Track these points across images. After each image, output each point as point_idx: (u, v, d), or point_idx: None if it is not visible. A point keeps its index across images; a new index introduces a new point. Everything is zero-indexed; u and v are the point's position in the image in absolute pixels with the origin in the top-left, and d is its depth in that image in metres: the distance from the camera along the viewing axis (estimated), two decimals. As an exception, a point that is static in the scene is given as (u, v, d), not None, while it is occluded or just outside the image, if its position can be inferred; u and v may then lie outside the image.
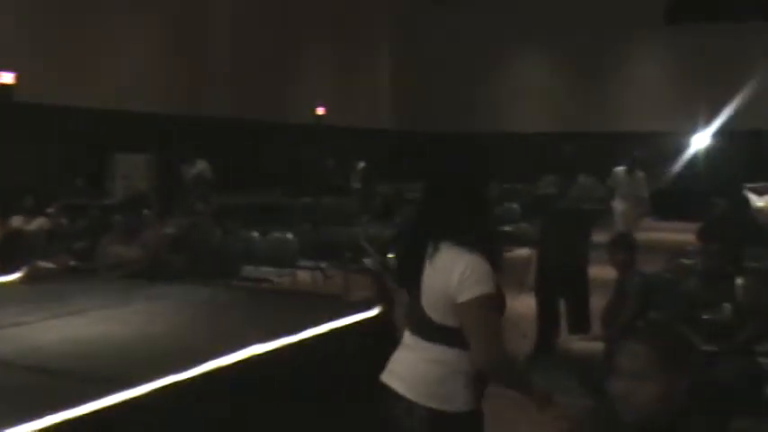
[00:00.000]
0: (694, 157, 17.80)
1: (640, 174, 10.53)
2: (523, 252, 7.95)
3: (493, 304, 2.45)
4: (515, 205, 11.38)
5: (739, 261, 5.08)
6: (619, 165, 10.51)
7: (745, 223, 8.41)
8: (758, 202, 13.39)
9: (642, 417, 1.70)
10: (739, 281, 4.33)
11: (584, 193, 6.20)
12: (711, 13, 17.88)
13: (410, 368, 2.54)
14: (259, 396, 2.83)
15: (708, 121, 17.74)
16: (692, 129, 17.95)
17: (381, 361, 2.69)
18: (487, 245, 2.52)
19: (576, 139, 17.44)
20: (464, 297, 2.42)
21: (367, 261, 8.58)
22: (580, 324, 6.00)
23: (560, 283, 6.14)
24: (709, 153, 17.99)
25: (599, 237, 6.60)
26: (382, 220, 9.34)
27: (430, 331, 2.51)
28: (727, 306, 4.24)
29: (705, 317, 4.30)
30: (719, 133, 17.76)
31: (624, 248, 4.94)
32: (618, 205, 10.02)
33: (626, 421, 1.72)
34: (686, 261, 5.91)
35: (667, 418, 1.69)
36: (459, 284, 2.43)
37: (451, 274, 2.44)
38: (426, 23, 20.36)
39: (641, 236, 9.04)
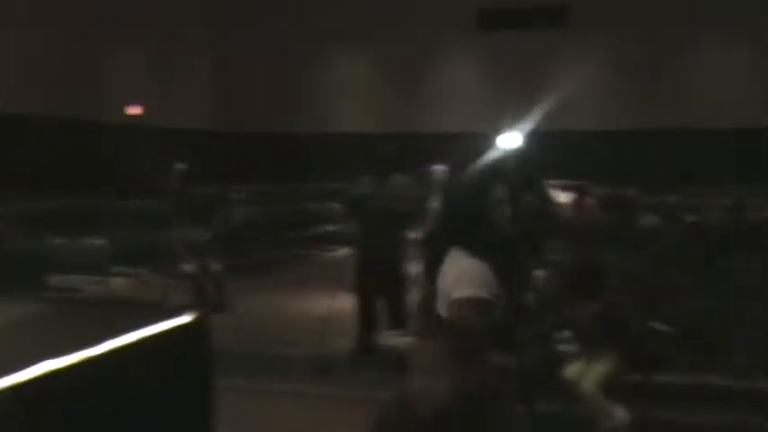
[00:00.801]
0: (505, 156, 18.79)
1: (458, 173, 10.92)
2: (344, 251, 8.06)
3: (482, 309, 2.55)
4: (337, 205, 11.54)
5: (541, 254, 5.42)
6: (436, 164, 10.86)
7: (546, 218, 8.97)
8: (561, 198, 14.36)
9: (439, 410, 1.77)
10: (540, 272, 4.62)
11: (400, 192, 6.36)
12: (520, 20, 19.01)
13: None
14: (48, 416, 2.63)
15: (518, 122, 18.78)
16: (503, 129, 18.93)
17: (194, 368, 2.60)
18: (491, 251, 2.63)
19: (394, 138, 17.94)
20: (455, 294, 2.58)
21: (186, 266, 8.38)
22: (398, 321, 6.16)
23: (378, 282, 6.27)
24: (518, 152, 19.05)
25: (416, 235, 6.81)
26: (200, 223, 9.11)
27: None
28: (529, 296, 4.50)
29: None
30: (529, 133, 18.86)
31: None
32: (435, 204, 10.35)
33: (423, 415, 1.78)
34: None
35: (463, 409, 1.78)
36: (453, 284, 2.60)
37: (451, 275, 2.63)
38: (244, 22, 20.13)
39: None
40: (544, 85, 18.76)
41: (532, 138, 18.69)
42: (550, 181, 14.97)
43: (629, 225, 10.01)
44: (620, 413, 4.21)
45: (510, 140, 19.18)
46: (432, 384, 1.75)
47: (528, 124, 18.51)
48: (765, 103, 17.71)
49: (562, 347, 4.40)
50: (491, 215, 2.69)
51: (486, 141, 18.46)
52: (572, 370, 4.28)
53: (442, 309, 2.66)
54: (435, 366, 1.74)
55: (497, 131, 18.85)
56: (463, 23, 19.50)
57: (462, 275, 2.61)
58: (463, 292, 2.57)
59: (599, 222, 10.52)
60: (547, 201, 11.16)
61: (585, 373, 4.26)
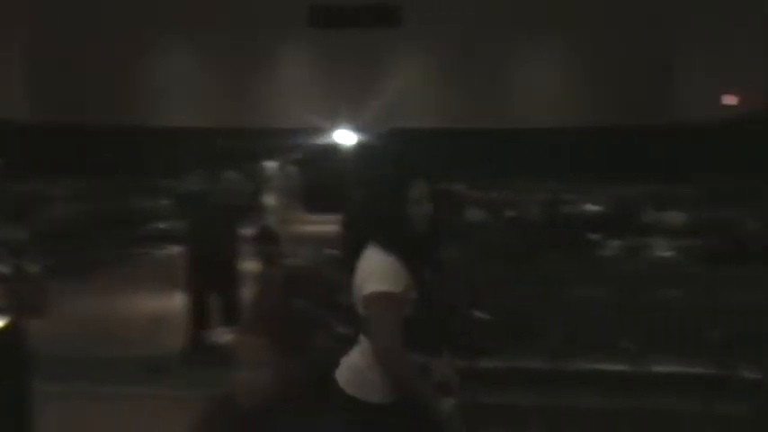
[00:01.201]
0: (341, 153, 19.01)
1: (292, 168, 10.95)
2: (175, 249, 7.86)
3: (390, 303, 2.55)
4: (167, 201, 11.21)
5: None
6: (269, 160, 10.83)
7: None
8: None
9: (262, 403, 1.79)
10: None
11: (232, 188, 6.30)
12: (352, 17, 19.26)
13: (346, 360, 2.75)
14: None
15: (352, 119, 19.01)
16: (336, 126, 19.11)
17: (6, 375, 2.46)
18: (404, 246, 2.60)
19: (227, 134, 17.66)
20: (366, 291, 2.60)
21: None
22: (231, 317, 6.10)
23: (210, 278, 6.18)
24: (355, 149, 19.31)
25: (249, 231, 6.76)
26: (15, 221, 8.53)
27: (360, 324, 2.71)
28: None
29: (344, 303, 4.61)
30: (363, 130, 19.14)
31: (268, 241, 5.11)
32: (269, 200, 10.32)
33: (247, 409, 1.80)
34: (329, 251, 6.30)
35: (288, 400, 1.80)
36: (364, 280, 2.61)
37: (363, 270, 2.64)
38: (68, 10, 19.02)
39: (292, 229, 9.43)
40: (376, 83, 19.14)
41: (366, 135, 19.01)
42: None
43: (456, 219, 10.43)
44: (446, 400, 4.38)
45: (344, 137, 19.44)
46: (254, 377, 1.77)
47: (361, 122, 18.80)
48: (583, 103, 19.02)
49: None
50: (410, 212, 2.65)
51: (319, 138, 18.59)
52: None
53: (357, 305, 2.69)
54: (257, 359, 1.76)
55: (330, 128, 19.01)
56: (295, 19, 19.48)
57: (373, 271, 2.60)
58: (373, 287, 2.58)
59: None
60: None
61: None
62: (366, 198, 2.95)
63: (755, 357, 4.51)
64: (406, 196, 2.64)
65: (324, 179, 15.43)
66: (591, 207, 11.86)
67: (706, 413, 4.33)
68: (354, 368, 2.68)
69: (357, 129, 19.24)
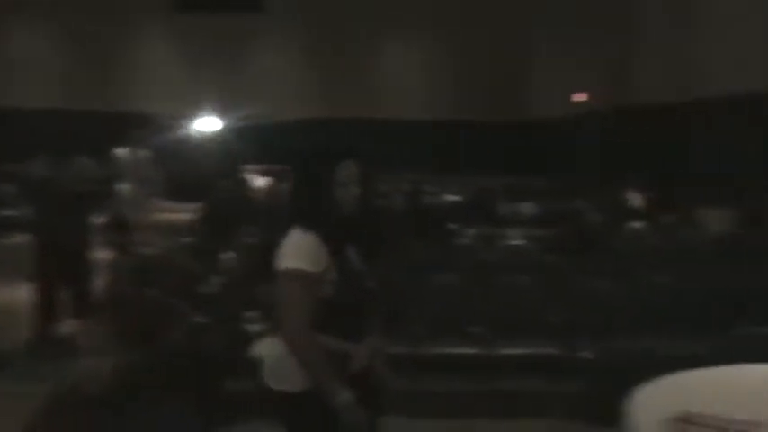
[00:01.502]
0: (202, 140, 18.56)
1: (146, 154, 10.55)
2: (22, 237, 7.45)
3: (301, 282, 2.49)
4: (12, 187, 10.60)
5: (232, 237, 5.49)
6: (124, 146, 10.40)
7: (241, 202, 9.09)
8: (258, 183, 14.60)
9: (106, 390, 1.76)
10: (230, 255, 4.68)
11: (82, 174, 6.04)
12: (216, 2, 18.83)
13: (265, 351, 2.75)
14: None
15: (214, 106, 18.62)
16: (200, 112, 18.66)
17: None
18: (326, 226, 2.55)
19: (80, 117, 16.88)
20: (279, 267, 2.54)
21: None
22: (82, 309, 5.86)
23: (60, 269, 5.91)
24: (215, 136, 18.93)
25: (100, 220, 6.51)
26: None
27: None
28: (216, 279, 4.55)
29: (198, 290, 4.55)
30: (225, 118, 18.79)
31: (120, 230, 4.95)
32: (123, 188, 9.94)
33: (89, 396, 1.76)
34: (183, 239, 6.18)
35: (130, 388, 1.78)
36: (280, 257, 2.55)
37: (281, 249, 2.57)
38: None
39: (148, 217, 9.14)
40: (239, 71, 18.85)
41: (230, 122, 18.70)
42: (249, 166, 15.18)
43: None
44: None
45: (208, 124, 19.01)
46: (96, 365, 1.73)
47: (226, 108, 18.47)
48: (444, 97, 19.50)
49: (251, 327, 4.50)
50: (337, 194, 2.59)
51: (180, 124, 18.09)
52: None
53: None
54: (99, 346, 1.73)
55: (194, 115, 18.55)
56: (158, 2, 18.86)
57: (289, 249, 2.55)
58: (286, 263, 2.53)
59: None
60: (243, 186, 11.31)
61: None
62: (292, 181, 2.86)
63: (591, 339, 4.82)
64: (331, 178, 2.60)
65: (183, 167, 15.02)
66: (451, 198, 12.22)
67: (548, 392, 4.59)
68: (268, 357, 2.66)
69: (219, 116, 18.86)
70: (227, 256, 4.65)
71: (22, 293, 6.19)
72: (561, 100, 16.73)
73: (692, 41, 11.63)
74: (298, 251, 2.53)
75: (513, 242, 8.08)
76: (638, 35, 13.33)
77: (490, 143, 17.97)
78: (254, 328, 4.45)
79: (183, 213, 12.75)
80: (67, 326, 5.65)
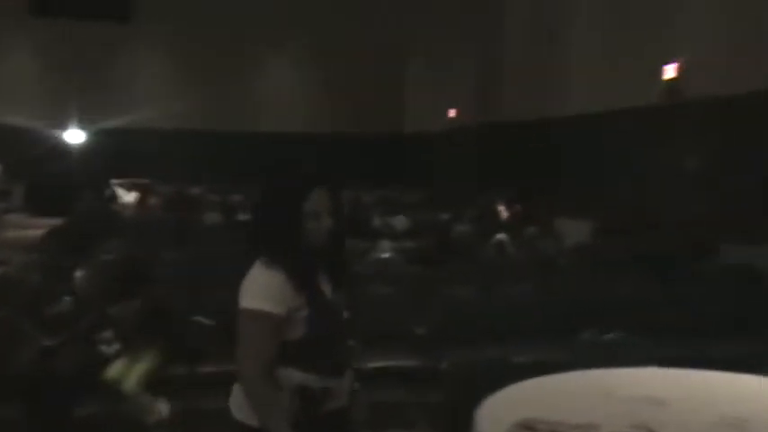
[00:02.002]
0: (64, 153, 17.73)
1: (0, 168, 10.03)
2: None
3: (262, 324, 2.30)
4: None
5: (90, 253, 5.23)
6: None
7: (105, 216, 8.75)
8: (126, 197, 14.12)
9: None
10: (78, 272, 4.48)
11: None
12: (78, 7, 18.02)
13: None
14: None
15: (78, 118, 17.85)
16: (61, 124, 17.83)
17: None
18: (294, 262, 2.33)
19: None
20: (239, 305, 2.35)
21: None
22: None
23: None
24: (79, 149, 18.13)
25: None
26: None
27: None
28: (67, 299, 4.34)
29: (47, 311, 4.34)
30: (90, 130, 18.07)
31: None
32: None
33: None
34: (30, 256, 5.85)
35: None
36: (240, 295, 2.35)
37: (243, 286, 2.37)
38: None
39: (7, 234, 8.67)
40: (107, 80, 18.19)
41: (95, 135, 18.00)
42: (115, 180, 14.65)
43: (191, 222, 10.24)
44: (162, 407, 4.29)
45: (71, 136, 18.20)
46: None
47: (90, 120, 17.76)
48: (319, 110, 19.52)
49: (104, 348, 4.32)
50: (306, 226, 2.35)
51: (42, 136, 17.23)
52: (114, 370, 4.24)
53: None
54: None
55: (56, 126, 17.73)
56: (15, 6, 17.90)
57: (250, 287, 2.34)
58: (244, 303, 2.32)
59: (163, 219, 10.56)
60: (108, 199, 10.92)
61: (128, 372, 4.25)
62: (256, 209, 2.63)
63: (453, 350, 4.92)
64: (300, 209, 2.35)
65: (45, 180, 14.32)
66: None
67: (412, 403, 4.64)
68: (236, 389, 2.43)
69: (83, 128, 18.10)
70: (81, 274, 4.44)
71: None
72: (433, 115, 17.10)
73: (555, 59, 12.16)
74: (260, 289, 2.31)
75: (384, 255, 8.16)
76: (505, 52, 13.81)
77: (364, 157, 18.12)
78: (108, 349, 4.28)
79: (43, 229, 12.13)
80: None
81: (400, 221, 11.32)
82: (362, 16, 19.24)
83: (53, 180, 14.46)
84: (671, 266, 6.63)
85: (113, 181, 13.85)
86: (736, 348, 4.31)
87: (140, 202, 12.95)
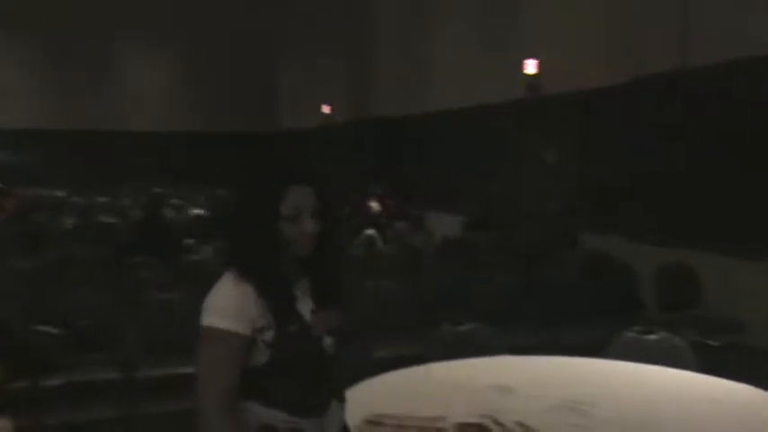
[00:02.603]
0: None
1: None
2: None
3: (226, 346, 1.93)
4: None
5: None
6: None
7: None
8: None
9: None
10: None
11: None
12: None
13: None
14: None
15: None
16: None
17: None
18: (267, 275, 1.97)
19: None
20: (201, 321, 1.96)
21: None
22: None
23: None
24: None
25: None
26: None
27: None
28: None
29: None
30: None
31: None
32: None
33: None
34: None
35: None
36: (204, 308, 1.97)
37: (206, 299, 1.99)
38: None
39: None
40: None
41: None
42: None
43: (48, 227, 9.72)
44: (2, 423, 3.99)
45: None
46: None
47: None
48: (191, 109, 19.04)
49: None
50: (285, 232, 1.99)
51: None
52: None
53: None
54: None
55: None
56: None
57: (212, 301, 1.98)
58: (207, 318, 1.96)
59: (17, 224, 9.97)
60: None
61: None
62: (231, 210, 2.18)
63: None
64: (275, 211, 1.99)
65: None
66: (195, 211, 11.90)
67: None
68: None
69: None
70: None
71: None
72: (308, 111, 17.00)
73: (424, 56, 12.31)
74: (224, 304, 1.95)
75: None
76: (375, 49, 13.87)
77: (235, 155, 17.84)
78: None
79: None
80: None
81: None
82: (236, 15, 18.93)
83: None
84: (536, 257, 6.82)
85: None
86: (590, 333, 4.43)
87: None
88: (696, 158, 6.68)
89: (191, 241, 8.09)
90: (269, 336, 1.96)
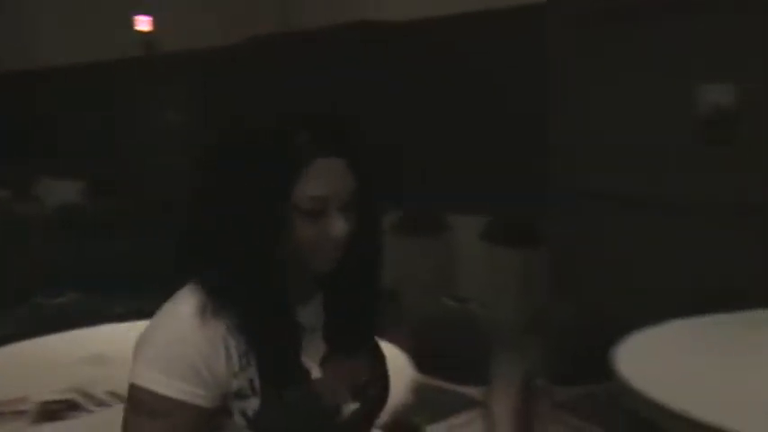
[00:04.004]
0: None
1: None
2: None
3: (165, 421, 1.11)
4: None
5: None
6: None
7: None
8: None
9: None
10: None
11: None
12: None
13: None
14: None
15: None
16: None
17: None
18: (256, 303, 1.14)
19: None
20: (129, 377, 1.17)
21: None
22: None
23: None
24: None
25: None
26: None
27: None
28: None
29: None
30: None
31: None
32: None
33: None
34: None
35: None
36: (134, 353, 1.19)
37: (143, 334, 1.21)
38: None
39: None
40: None
41: None
42: None
43: None
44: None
45: None
46: None
47: None
48: None
49: None
50: (294, 233, 1.15)
51: None
52: None
53: None
54: None
55: None
56: None
57: (154, 338, 1.18)
58: (138, 373, 1.16)
59: None
60: None
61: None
62: (192, 195, 1.23)
63: None
64: (287, 201, 1.14)
65: None
66: None
67: None
68: None
69: None
70: None
71: None
72: None
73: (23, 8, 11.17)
74: (177, 354, 1.15)
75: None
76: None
77: None
78: None
79: None
80: None
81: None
82: None
83: None
84: (153, 224, 6.62)
85: None
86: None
87: None
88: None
89: None
90: (251, 406, 1.17)
